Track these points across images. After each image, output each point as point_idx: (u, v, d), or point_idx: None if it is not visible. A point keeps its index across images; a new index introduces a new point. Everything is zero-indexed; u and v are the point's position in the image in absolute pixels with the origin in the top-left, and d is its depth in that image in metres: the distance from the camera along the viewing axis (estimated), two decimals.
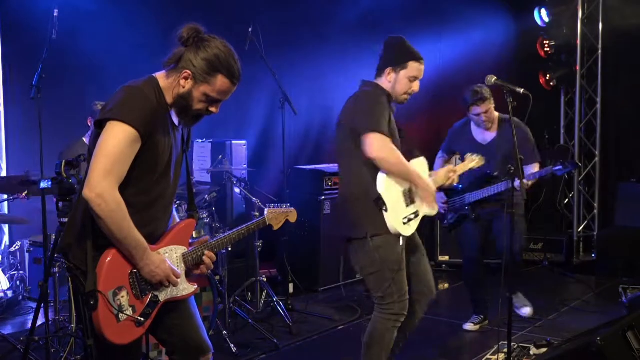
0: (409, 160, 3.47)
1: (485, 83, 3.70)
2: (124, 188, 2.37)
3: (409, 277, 3.53)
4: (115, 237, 2.35)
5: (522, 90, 3.59)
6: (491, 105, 4.76)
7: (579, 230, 7.95)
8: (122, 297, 2.42)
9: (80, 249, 2.42)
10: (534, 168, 4.80)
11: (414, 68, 3.46)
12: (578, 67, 7.83)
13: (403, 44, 3.52)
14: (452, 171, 3.74)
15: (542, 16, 7.70)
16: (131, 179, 2.39)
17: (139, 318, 2.47)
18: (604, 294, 6.19)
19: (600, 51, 7.80)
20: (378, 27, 7.31)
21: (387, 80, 3.48)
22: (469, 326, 5.12)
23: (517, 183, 4.41)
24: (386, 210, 3.33)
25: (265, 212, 2.99)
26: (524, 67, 7.88)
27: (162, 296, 2.54)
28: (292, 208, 3.06)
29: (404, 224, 3.42)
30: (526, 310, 5.16)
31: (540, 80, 7.79)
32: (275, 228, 3.00)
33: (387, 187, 3.35)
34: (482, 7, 7.67)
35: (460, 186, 4.81)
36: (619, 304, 5.63)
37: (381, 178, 3.35)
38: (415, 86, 3.50)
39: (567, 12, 7.77)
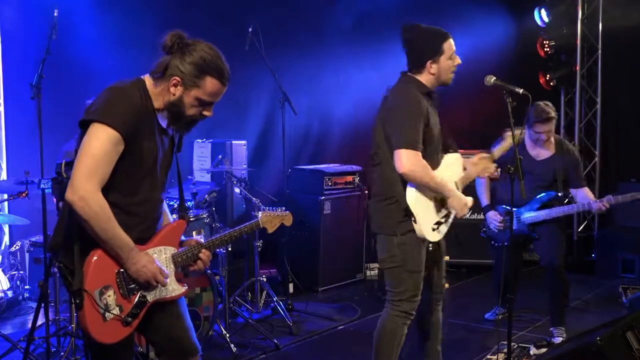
0: (444, 154, 3.56)
1: (485, 83, 3.69)
2: (109, 190, 2.38)
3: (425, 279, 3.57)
4: (100, 238, 2.37)
5: (521, 90, 3.58)
6: (553, 125, 4.78)
7: (579, 230, 7.95)
8: (109, 296, 2.43)
9: (68, 249, 2.43)
10: (587, 192, 4.82)
11: (449, 47, 3.48)
12: (578, 67, 7.82)
13: (427, 31, 3.50)
14: (484, 158, 3.68)
15: (542, 16, 7.69)
16: (115, 180, 2.40)
17: (126, 318, 2.47)
18: (604, 294, 6.19)
19: (600, 51, 7.79)
20: (377, 27, 7.31)
21: (431, 73, 3.47)
22: (491, 316, 5.33)
23: (594, 206, 4.60)
24: (415, 222, 3.38)
25: (260, 216, 2.98)
26: (524, 67, 7.87)
27: (151, 297, 2.54)
28: (288, 212, 3.05)
29: (433, 230, 3.46)
30: (558, 339, 4.89)
31: (540, 80, 7.78)
32: (270, 231, 2.99)
33: (417, 199, 3.39)
34: (482, 7, 7.67)
35: (522, 209, 4.77)
36: (619, 304, 5.64)
37: (410, 191, 3.38)
38: (457, 59, 3.52)
39: (567, 12, 7.76)
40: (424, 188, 3.39)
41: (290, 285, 5.85)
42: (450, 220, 3.57)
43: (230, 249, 4.89)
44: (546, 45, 7.72)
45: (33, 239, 5.30)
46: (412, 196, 3.38)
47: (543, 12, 7.68)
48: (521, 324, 5.10)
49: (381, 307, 5.85)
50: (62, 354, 4.13)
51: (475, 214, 7.00)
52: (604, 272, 6.86)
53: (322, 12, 7.30)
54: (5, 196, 4.80)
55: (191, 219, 4.57)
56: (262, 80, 6.33)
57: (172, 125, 2.56)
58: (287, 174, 5.92)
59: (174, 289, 2.62)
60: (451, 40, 3.51)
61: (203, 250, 2.67)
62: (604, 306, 5.75)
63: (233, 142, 6.33)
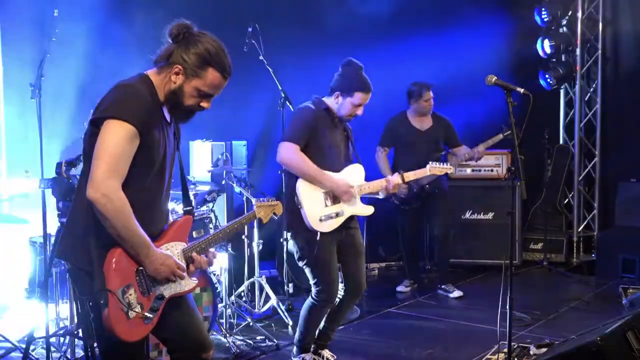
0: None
1: (486, 83, 3.69)
2: (124, 187, 2.37)
3: (345, 276, 4.07)
4: (121, 236, 2.36)
5: (522, 90, 3.58)
6: None
7: (579, 230, 7.95)
8: (130, 294, 2.44)
9: (84, 250, 2.42)
10: (465, 148, 5.81)
11: (359, 97, 3.85)
12: (578, 67, 7.83)
13: (354, 73, 3.86)
14: (388, 181, 4.09)
15: (542, 16, 7.69)
16: (130, 177, 2.39)
17: (148, 314, 2.48)
18: (604, 294, 6.18)
19: (600, 51, 7.79)
20: (377, 27, 7.30)
21: (335, 102, 3.91)
22: (401, 288, 6.19)
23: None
24: (301, 208, 3.76)
25: (254, 207, 3.05)
26: (524, 67, 7.87)
27: (167, 292, 2.57)
28: (278, 201, 3.17)
29: (321, 220, 3.79)
30: (456, 294, 5.99)
31: (540, 81, 7.79)
32: (265, 221, 3.12)
33: (304, 188, 3.79)
34: (481, 7, 7.67)
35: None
36: (619, 304, 5.63)
37: (299, 182, 3.80)
38: (359, 111, 3.92)
39: (567, 12, 7.76)
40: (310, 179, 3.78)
41: (290, 285, 5.85)
42: (342, 218, 3.87)
43: (230, 249, 4.89)
44: (546, 46, 7.72)
45: (33, 239, 5.29)
46: (300, 184, 3.79)
47: (543, 12, 7.67)
48: (521, 324, 5.10)
49: (383, 307, 5.87)
50: (62, 354, 4.13)
51: (475, 214, 7.01)
52: (604, 272, 6.83)
53: (322, 12, 7.30)
54: (6, 196, 4.80)
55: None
56: (262, 80, 6.32)
57: (171, 114, 2.57)
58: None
59: (187, 283, 2.65)
60: (367, 95, 3.87)
61: (194, 255, 2.68)
62: (604, 306, 5.75)
63: (233, 142, 6.32)
